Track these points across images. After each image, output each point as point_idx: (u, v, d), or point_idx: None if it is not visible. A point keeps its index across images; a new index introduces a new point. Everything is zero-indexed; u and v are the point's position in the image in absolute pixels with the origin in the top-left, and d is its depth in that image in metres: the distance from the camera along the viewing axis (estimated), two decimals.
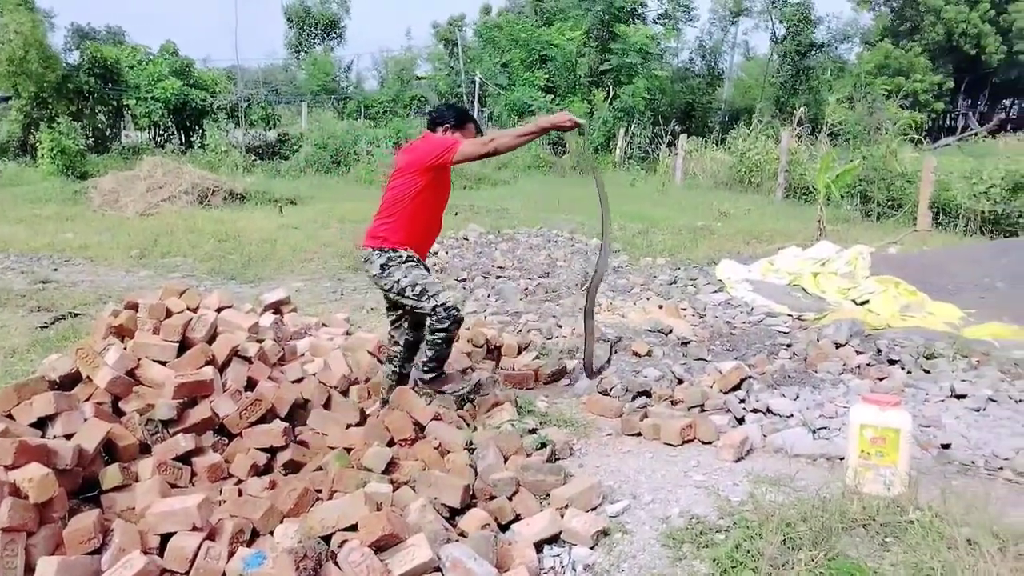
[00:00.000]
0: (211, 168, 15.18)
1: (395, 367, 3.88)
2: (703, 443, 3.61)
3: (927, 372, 4.47)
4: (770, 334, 5.33)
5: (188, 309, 3.71)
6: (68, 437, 2.79)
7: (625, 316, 5.88)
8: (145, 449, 3.01)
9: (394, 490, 2.78)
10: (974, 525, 2.39)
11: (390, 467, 2.97)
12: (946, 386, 4.09)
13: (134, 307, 3.69)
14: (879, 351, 4.77)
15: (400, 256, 3.54)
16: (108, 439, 2.86)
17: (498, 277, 7.56)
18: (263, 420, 3.22)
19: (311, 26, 37.26)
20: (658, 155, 19.91)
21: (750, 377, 4.32)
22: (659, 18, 27.27)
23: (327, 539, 2.43)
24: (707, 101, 29.52)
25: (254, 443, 3.10)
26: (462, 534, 2.61)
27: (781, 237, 9.74)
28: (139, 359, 3.34)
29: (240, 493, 2.84)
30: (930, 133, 26.94)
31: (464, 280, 7.39)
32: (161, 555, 2.38)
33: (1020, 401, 3.94)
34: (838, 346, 4.84)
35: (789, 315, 5.98)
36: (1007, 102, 40.38)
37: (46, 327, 5.27)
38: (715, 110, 30.05)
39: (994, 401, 3.92)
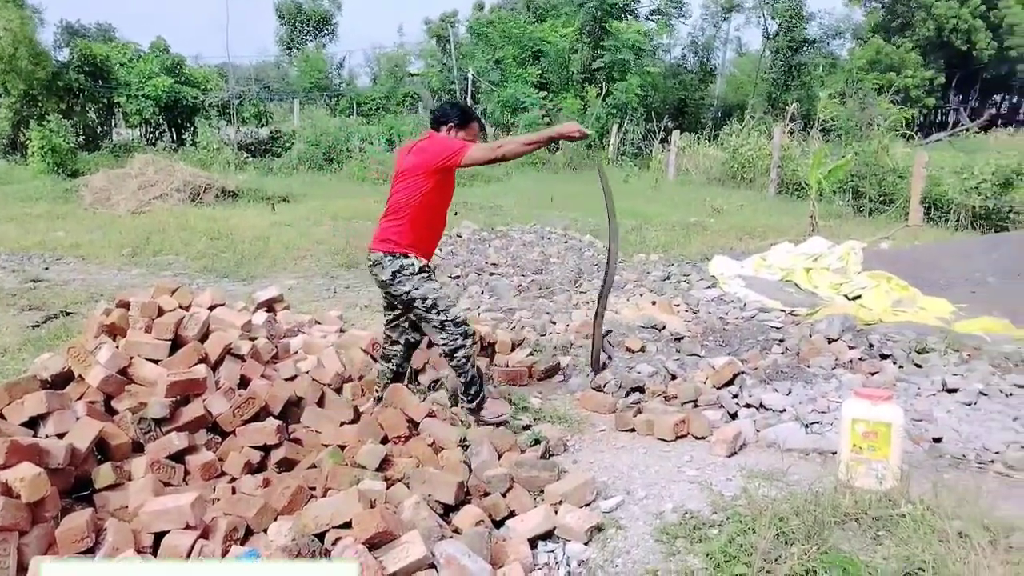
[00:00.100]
0: (203, 166, 15.11)
1: (393, 366, 3.87)
2: (696, 438, 3.63)
3: (919, 366, 4.49)
4: (763, 329, 5.35)
5: (180, 307, 3.70)
6: (60, 436, 2.78)
7: (618, 312, 5.89)
8: (138, 448, 3.00)
9: (388, 487, 2.78)
10: (965, 518, 2.41)
11: (384, 464, 2.97)
12: (937, 380, 4.12)
13: (126, 305, 3.68)
14: (871, 346, 4.79)
15: (412, 266, 3.52)
16: (100, 438, 2.85)
17: (492, 274, 7.56)
18: (256, 418, 3.21)
19: (303, 23, 37.14)
20: (651, 151, 19.91)
21: (743, 372, 4.33)
22: (651, 14, 27.25)
23: (321, 537, 2.43)
24: (700, 97, 29.54)
25: (247, 441, 3.10)
26: (456, 531, 2.61)
27: (774, 233, 9.77)
28: (131, 357, 3.33)
29: (234, 491, 2.84)
30: (921, 128, 27.09)
31: (458, 277, 7.39)
32: (155, 554, 2.38)
33: (1011, 395, 3.97)
34: (830, 341, 4.86)
35: (782, 310, 6.00)
36: (997, 97, 40.53)
37: (37, 326, 5.24)
38: (708, 106, 30.07)
39: (985, 395, 3.95)
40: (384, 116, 21.86)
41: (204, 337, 3.54)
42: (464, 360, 3.56)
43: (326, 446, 3.17)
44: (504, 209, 11.77)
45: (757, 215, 11.66)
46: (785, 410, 3.85)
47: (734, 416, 3.89)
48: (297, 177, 16.19)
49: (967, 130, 25.12)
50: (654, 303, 6.13)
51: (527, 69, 22.91)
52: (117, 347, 3.37)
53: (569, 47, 23.42)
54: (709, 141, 19.45)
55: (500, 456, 3.19)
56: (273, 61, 37.97)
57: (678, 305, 6.17)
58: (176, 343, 3.45)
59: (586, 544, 2.64)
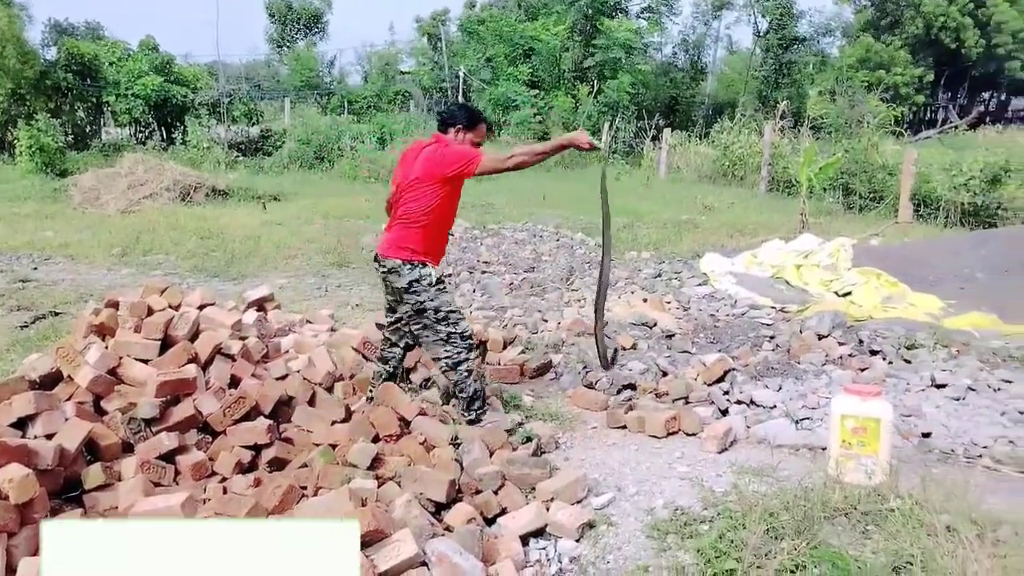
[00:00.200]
0: (193, 165, 15.04)
1: (390, 368, 3.87)
2: (687, 435, 3.65)
3: (908, 362, 4.52)
4: (753, 326, 5.37)
5: (170, 307, 3.68)
6: (49, 437, 2.76)
7: (610, 310, 5.90)
8: (128, 448, 2.98)
9: (379, 486, 2.77)
10: (953, 512, 2.42)
11: (375, 463, 2.97)
12: (926, 376, 4.15)
13: (115, 305, 3.66)
14: (861, 342, 4.82)
15: (430, 276, 3.51)
16: (90, 438, 2.84)
17: (483, 272, 7.56)
18: (247, 418, 3.20)
19: (293, 21, 36.99)
20: (642, 149, 19.95)
21: (734, 369, 4.35)
22: (642, 12, 27.30)
23: None
24: (691, 95, 29.59)
25: (238, 441, 3.09)
26: (448, 528, 2.61)
27: (764, 230, 9.81)
28: (121, 358, 3.31)
29: (224, 491, 2.83)
30: (911, 126, 27.23)
31: (449, 275, 7.39)
32: None
33: (998, 390, 4.00)
34: (820, 337, 4.89)
35: (772, 307, 6.03)
36: (986, 95, 40.78)
37: (26, 327, 5.21)
38: (699, 104, 30.13)
39: (973, 390, 3.98)
40: (375, 115, 21.79)
41: (194, 337, 3.52)
42: (466, 374, 3.56)
43: (317, 445, 3.16)
44: (496, 207, 11.76)
45: (748, 212, 11.70)
46: (775, 406, 3.87)
47: (725, 413, 3.91)
48: (288, 176, 16.14)
49: (956, 127, 25.28)
50: (645, 300, 6.15)
51: (518, 67, 22.91)
52: (106, 347, 3.36)
53: (560, 45, 23.43)
54: (700, 139, 19.49)
55: (492, 454, 3.19)
56: (264, 59, 37.82)
57: (669, 302, 6.18)
58: (166, 343, 3.44)
59: (577, 541, 2.65)
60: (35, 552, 2.34)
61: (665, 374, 4.43)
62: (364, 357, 4.15)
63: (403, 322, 3.75)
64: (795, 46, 29.07)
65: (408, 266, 3.49)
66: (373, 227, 9.60)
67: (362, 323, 5.16)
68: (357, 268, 7.85)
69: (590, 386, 4.33)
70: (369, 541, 2.34)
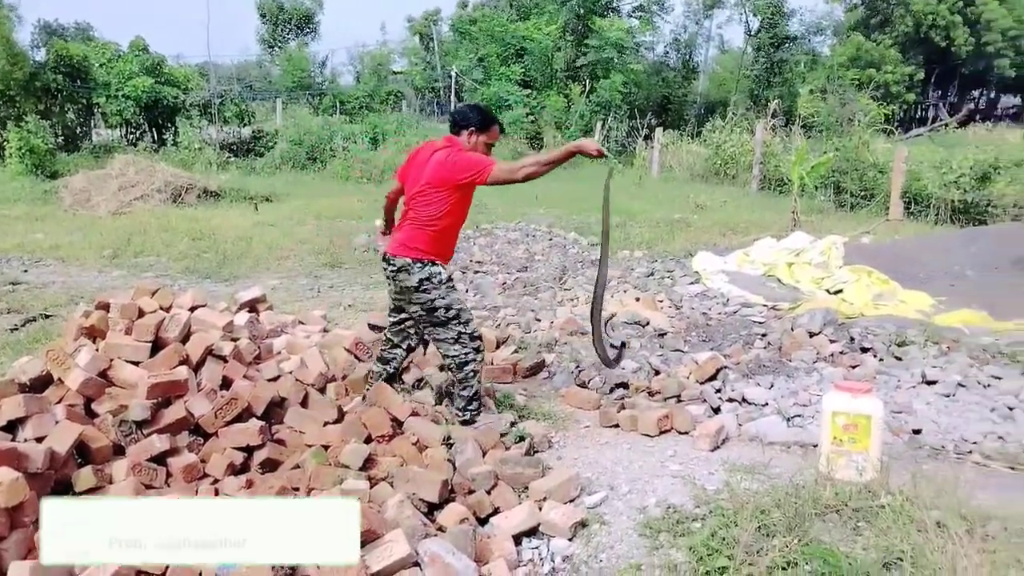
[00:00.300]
0: (184, 166, 14.99)
1: (391, 369, 3.86)
2: (680, 433, 3.65)
3: (899, 359, 4.55)
4: (745, 324, 5.39)
5: (161, 308, 3.66)
6: (39, 440, 2.75)
7: (603, 309, 5.90)
8: (119, 451, 2.97)
9: (372, 487, 2.77)
10: (943, 508, 2.44)
11: (368, 464, 2.97)
12: (917, 372, 4.17)
13: (105, 307, 3.64)
14: (852, 339, 4.84)
15: (440, 275, 3.50)
16: (81, 441, 2.82)
17: (476, 272, 7.56)
18: (239, 419, 3.19)
19: (285, 21, 36.86)
20: (635, 148, 19.98)
21: (726, 367, 4.36)
22: (634, 11, 27.34)
23: None
24: (683, 94, 29.66)
25: (230, 442, 3.08)
26: (441, 529, 2.61)
27: (756, 228, 9.84)
28: (111, 360, 3.30)
29: (216, 493, 2.83)
30: (901, 124, 27.36)
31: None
32: None
33: (988, 386, 4.02)
34: (812, 335, 4.91)
35: (764, 305, 6.05)
36: (976, 93, 41.05)
37: (16, 329, 5.18)
38: (691, 103, 30.20)
39: (963, 386, 4.00)
40: (367, 115, 21.72)
41: (185, 338, 3.51)
42: (472, 375, 3.56)
43: (310, 446, 3.16)
44: (489, 207, 11.76)
45: (740, 211, 11.73)
46: (767, 404, 3.88)
47: (717, 411, 3.92)
48: (280, 176, 16.10)
49: (946, 125, 25.37)
50: (638, 299, 6.16)
51: (511, 67, 22.90)
52: (97, 349, 3.34)
53: (552, 45, 23.44)
54: (692, 138, 19.52)
55: (485, 454, 3.19)
56: (255, 60, 37.74)
57: (662, 301, 6.20)
58: (157, 345, 3.42)
59: (570, 540, 2.65)
60: (26, 556, 2.34)
61: (657, 372, 4.44)
62: (356, 358, 4.14)
63: (410, 322, 3.74)
64: (786, 45, 29.18)
65: (418, 265, 3.49)
66: (366, 227, 9.59)
67: (355, 324, 5.15)
68: (350, 269, 7.84)
69: (583, 385, 4.34)
70: (362, 542, 2.34)
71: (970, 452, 3.37)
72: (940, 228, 10.68)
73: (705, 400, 4.01)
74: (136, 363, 3.31)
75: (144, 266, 7.77)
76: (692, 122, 22.45)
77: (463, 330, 3.52)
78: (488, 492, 2.86)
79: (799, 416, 3.71)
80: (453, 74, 23.79)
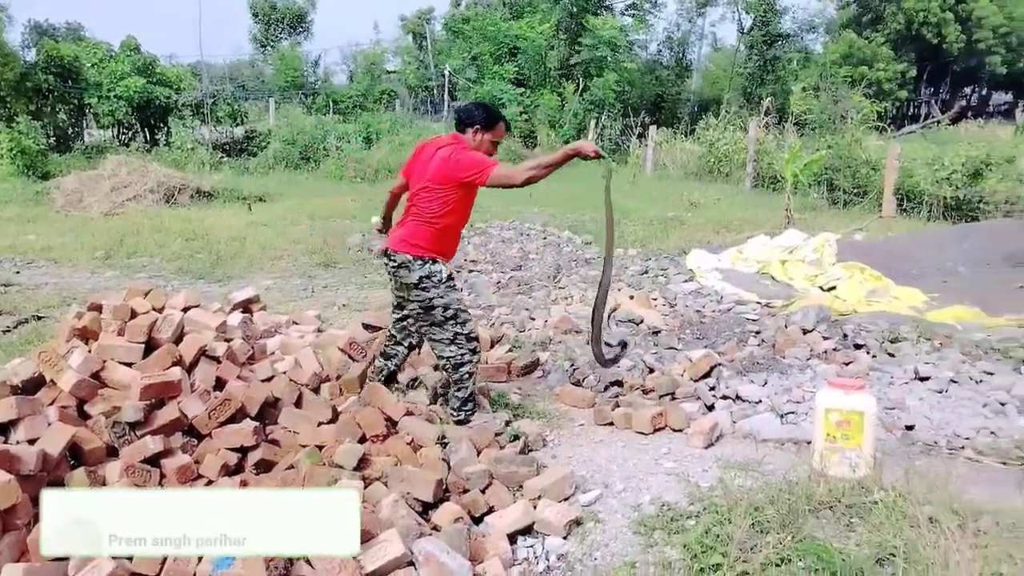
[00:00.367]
0: (177, 166, 14.93)
1: (392, 365, 3.86)
2: (674, 431, 3.66)
3: (892, 356, 4.56)
4: (739, 322, 5.40)
5: (154, 309, 3.65)
6: (32, 442, 2.74)
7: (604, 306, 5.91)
8: (112, 452, 2.96)
9: (366, 486, 2.77)
10: (936, 503, 2.45)
11: (362, 464, 2.96)
12: (910, 369, 4.18)
13: (98, 308, 3.63)
14: (845, 336, 4.85)
15: (440, 273, 3.50)
16: (74, 443, 2.82)
17: (470, 271, 7.56)
18: (233, 420, 3.18)
19: (277, 20, 36.76)
20: (628, 147, 20.00)
21: (720, 364, 4.37)
22: (627, 9, 27.36)
23: None
24: (676, 92, 29.71)
25: (224, 443, 3.07)
26: (435, 528, 2.61)
27: (750, 226, 9.86)
28: (104, 361, 3.28)
29: None
30: (894, 121, 27.41)
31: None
32: (130, 559, 2.35)
33: (980, 382, 4.04)
34: (805, 332, 4.92)
35: (758, 303, 6.06)
36: (967, 90, 41.19)
37: (8, 331, 5.16)
38: (684, 101, 30.26)
39: (956, 382, 4.02)
40: (361, 114, 21.67)
41: (178, 339, 3.50)
42: (467, 376, 3.56)
43: (304, 447, 3.15)
44: (483, 206, 11.73)
45: (733, 209, 11.75)
46: (761, 401, 3.89)
47: (711, 408, 3.93)
48: (273, 176, 16.06)
49: (938, 122, 25.46)
50: (632, 297, 6.16)
51: (504, 66, 22.90)
52: (89, 351, 3.33)
53: (546, 43, 23.44)
54: (686, 136, 19.56)
55: (479, 453, 3.19)
56: (248, 60, 37.56)
57: (656, 299, 6.20)
58: (150, 346, 3.41)
59: (565, 538, 2.65)
60: (19, 558, 2.33)
61: (652, 370, 4.45)
62: (351, 358, 4.13)
63: (410, 320, 3.74)
64: (779, 43, 29.26)
65: (419, 262, 3.48)
66: (359, 227, 9.58)
67: (348, 324, 5.15)
68: (343, 268, 7.83)
69: (577, 384, 4.35)
70: None
71: (962, 448, 3.38)
72: (932, 225, 10.72)
73: (699, 398, 4.01)
74: (129, 364, 3.30)
75: (137, 267, 7.75)
76: (686, 120, 22.51)
77: (460, 331, 3.52)
78: (483, 491, 2.87)
79: (793, 413, 3.72)
80: (446, 73, 23.76)
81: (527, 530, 2.69)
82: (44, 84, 17.87)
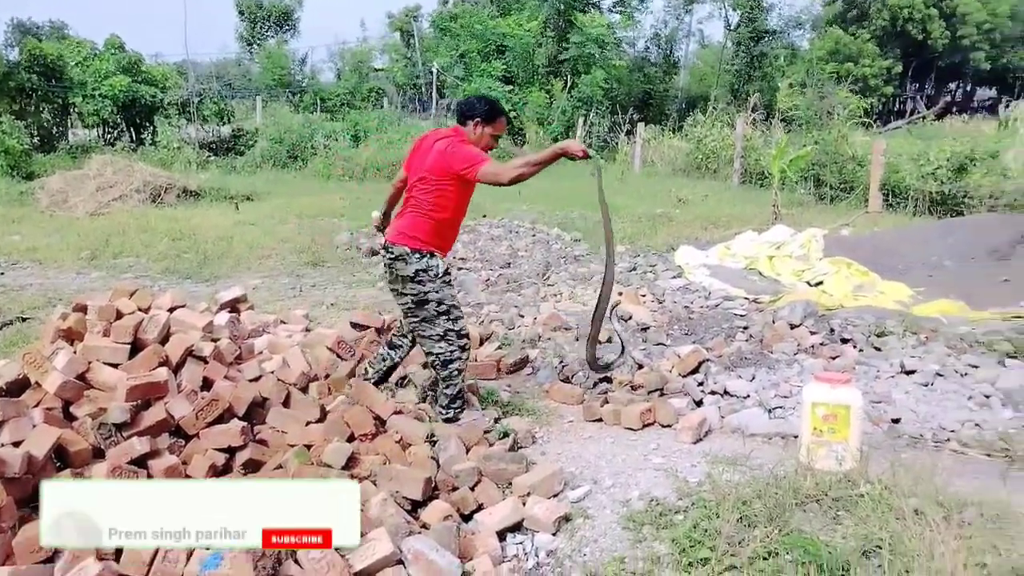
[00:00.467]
0: (163, 165, 14.82)
1: (397, 356, 3.86)
2: (663, 426, 3.68)
3: (878, 349, 4.60)
4: (727, 317, 5.42)
5: (139, 310, 3.63)
6: (16, 444, 2.71)
7: (586, 304, 5.93)
8: (98, 454, 2.94)
9: None
10: (921, 496, 2.47)
11: (350, 463, 2.96)
12: (896, 362, 4.22)
13: (83, 309, 3.60)
14: (832, 331, 4.89)
15: (437, 267, 3.49)
16: (59, 445, 2.79)
17: (459, 269, 7.55)
18: (220, 420, 3.17)
19: (263, 18, 36.63)
20: (617, 144, 20.03)
21: (708, 360, 4.39)
22: (615, 6, 27.38)
23: None
24: (664, 89, 29.75)
25: (212, 444, 3.05)
26: (424, 526, 2.61)
27: (738, 222, 9.90)
28: (90, 362, 3.26)
29: None
30: (880, 117, 27.62)
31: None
32: (117, 560, 2.34)
33: (965, 375, 4.08)
34: (793, 327, 4.95)
35: (745, 298, 6.09)
36: (952, 85, 41.55)
37: None
38: (672, 98, 30.31)
39: (941, 376, 4.05)
40: (349, 112, 21.60)
41: (165, 340, 3.48)
42: (456, 373, 3.55)
43: (292, 446, 3.14)
44: (472, 203, 11.73)
45: (721, 205, 11.80)
46: (749, 396, 3.91)
47: (699, 403, 3.95)
48: (261, 175, 15.97)
49: (923, 118, 25.61)
50: (620, 294, 6.17)
51: (492, 63, 22.85)
52: (75, 352, 3.30)
53: (533, 41, 23.42)
54: (674, 133, 19.61)
55: (468, 450, 3.20)
56: (234, 58, 37.43)
57: (644, 295, 6.22)
58: (136, 346, 3.39)
59: (554, 534, 2.66)
60: (4, 562, 2.31)
61: (640, 366, 4.46)
62: (339, 357, 4.12)
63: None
64: (766, 39, 29.36)
65: (416, 255, 3.47)
66: (347, 225, 9.54)
67: (337, 323, 5.13)
68: (332, 267, 7.80)
69: (566, 380, 4.35)
70: None
71: (948, 440, 3.42)
72: (918, 219, 10.80)
73: (687, 393, 4.03)
74: (115, 365, 3.27)
75: (123, 267, 7.69)
76: (673, 117, 22.58)
77: (451, 327, 3.51)
78: (472, 489, 2.87)
79: (780, 407, 3.74)
80: (434, 71, 23.70)
81: (516, 527, 2.70)
82: (27, 83, 17.67)
